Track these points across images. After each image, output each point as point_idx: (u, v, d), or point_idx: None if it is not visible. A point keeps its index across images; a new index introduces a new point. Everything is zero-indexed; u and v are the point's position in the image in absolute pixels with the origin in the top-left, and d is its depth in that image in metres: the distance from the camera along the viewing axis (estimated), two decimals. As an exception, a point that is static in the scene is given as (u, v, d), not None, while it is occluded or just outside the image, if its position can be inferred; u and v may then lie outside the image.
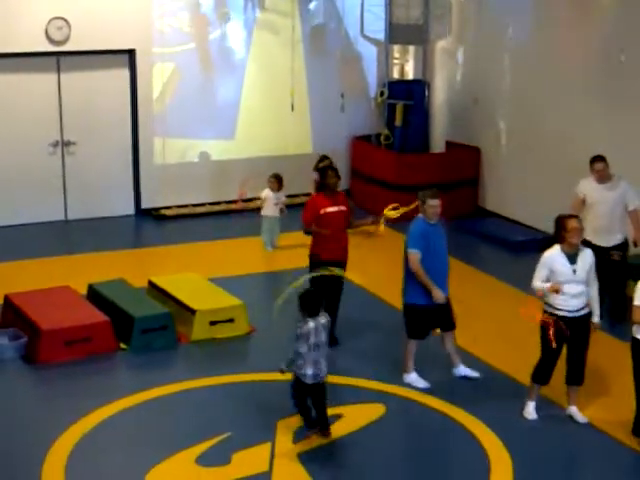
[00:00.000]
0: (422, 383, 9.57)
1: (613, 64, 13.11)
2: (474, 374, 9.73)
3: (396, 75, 16.85)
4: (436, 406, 9.19)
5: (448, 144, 16.37)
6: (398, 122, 15.96)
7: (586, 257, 8.73)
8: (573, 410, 9.00)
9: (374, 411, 9.07)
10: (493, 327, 10.92)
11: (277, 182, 13.83)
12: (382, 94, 16.31)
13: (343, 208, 10.27)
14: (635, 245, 11.07)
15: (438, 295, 9.26)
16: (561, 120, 14.04)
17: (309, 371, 8.37)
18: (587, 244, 9.72)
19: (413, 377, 9.62)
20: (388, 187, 15.54)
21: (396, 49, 16.84)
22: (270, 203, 13.78)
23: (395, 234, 12.84)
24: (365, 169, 16.33)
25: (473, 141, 16.06)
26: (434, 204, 9.22)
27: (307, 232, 10.40)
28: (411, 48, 16.74)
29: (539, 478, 8.12)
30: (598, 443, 8.63)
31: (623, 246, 11.03)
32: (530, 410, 9.00)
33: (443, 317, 9.54)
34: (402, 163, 15.69)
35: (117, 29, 14.85)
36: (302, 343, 8.31)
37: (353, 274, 12.55)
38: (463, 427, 8.79)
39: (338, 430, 8.68)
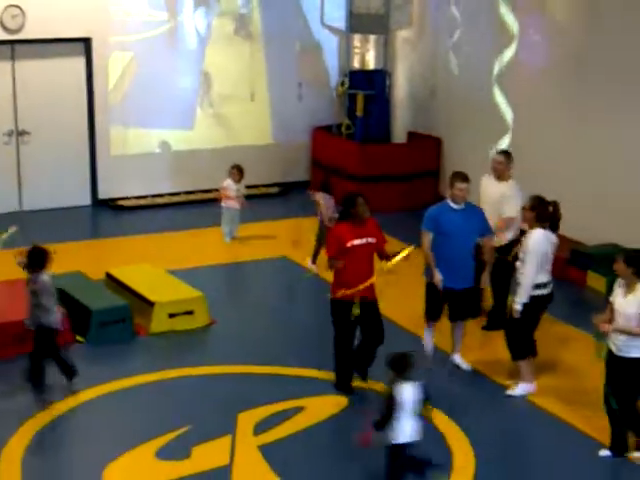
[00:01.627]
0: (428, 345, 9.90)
1: (576, 57, 13.13)
2: (465, 366, 9.83)
3: (357, 65, 16.76)
4: (399, 398, 9.11)
5: (410, 134, 16.31)
6: (359, 112, 15.88)
7: (526, 239, 9.02)
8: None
9: (336, 403, 9.00)
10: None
11: (239, 173, 13.68)
12: (343, 84, 16.22)
13: (371, 240, 9.04)
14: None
15: (436, 278, 9.44)
16: (521, 111, 14.04)
17: (58, 317, 9.01)
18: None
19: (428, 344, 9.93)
20: (349, 177, 15.45)
21: (357, 38, 16.73)
22: (231, 194, 13.63)
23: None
24: (326, 159, 16.22)
25: (434, 131, 16.03)
26: (461, 187, 9.48)
27: (332, 266, 9.09)
28: (372, 37, 16.64)
29: (500, 471, 8.06)
30: (559, 433, 8.61)
31: (509, 247, 10.27)
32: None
33: (460, 304, 9.64)
34: (364, 153, 15.60)
35: (73, 17, 14.62)
36: (49, 296, 8.95)
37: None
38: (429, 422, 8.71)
39: (301, 422, 8.61)
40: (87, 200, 15.42)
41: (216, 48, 15.98)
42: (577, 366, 9.78)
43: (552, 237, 9.07)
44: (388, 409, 7.18)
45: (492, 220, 10.11)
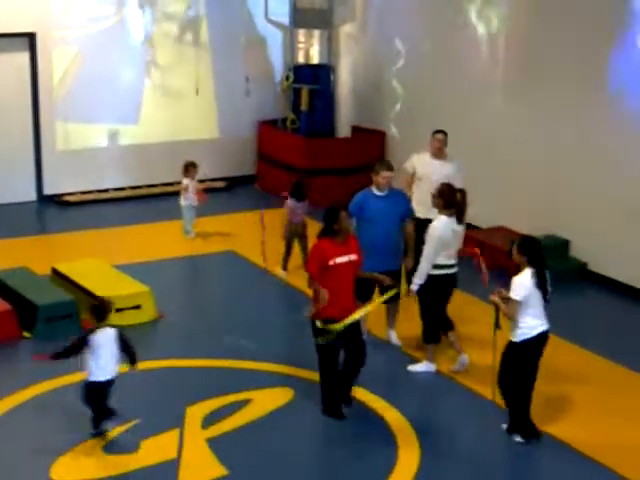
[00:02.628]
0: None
1: (517, 54, 13.33)
2: (395, 342, 10.24)
3: (301, 59, 16.81)
4: (345, 389, 9.22)
5: (354, 128, 16.42)
6: (304, 106, 15.96)
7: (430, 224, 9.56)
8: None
9: (283, 395, 9.08)
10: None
11: (194, 169, 13.64)
12: (288, 78, 16.28)
13: (354, 257, 8.62)
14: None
15: None
16: (463, 105, 14.20)
17: None
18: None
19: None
20: (295, 171, 15.54)
21: (301, 33, 16.79)
22: (191, 191, 13.57)
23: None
24: (272, 153, 16.30)
25: (378, 125, 16.16)
26: (386, 175, 9.85)
27: (312, 286, 8.69)
28: (316, 32, 16.70)
29: (445, 466, 8.16)
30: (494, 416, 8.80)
31: None
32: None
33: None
34: (308, 147, 15.69)
35: (17, 12, 14.52)
36: None
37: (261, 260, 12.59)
38: (372, 411, 8.83)
39: (248, 415, 8.69)
40: (32, 196, 15.34)
41: (161, 42, 15.97)
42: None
43: (455, 225, 9.50)
44: (72, 346, 8.18)
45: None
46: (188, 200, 13.61)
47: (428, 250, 9.36)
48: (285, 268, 12.31)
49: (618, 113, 11.98)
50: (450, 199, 9.40)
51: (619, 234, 12.02)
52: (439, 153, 11.38)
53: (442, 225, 9.39)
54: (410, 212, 10.17)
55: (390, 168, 9.95)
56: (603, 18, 12.03)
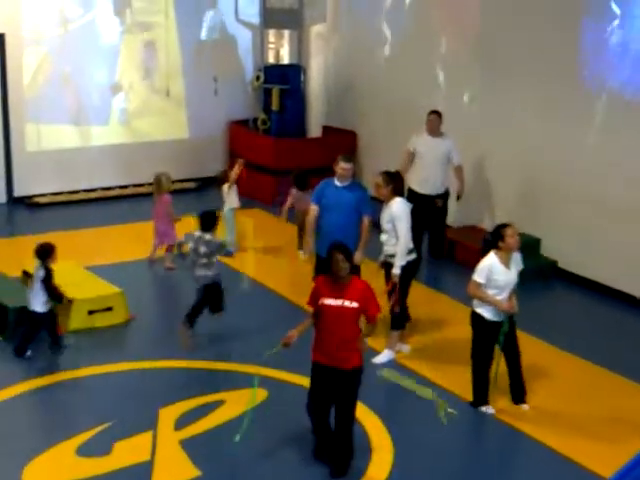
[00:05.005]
0: None
1: (486, 50, 13.40)
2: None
3: (272, 60, 16.82)
4: (318, 389, 9.23)
5: (325, 128, 16.45)
6: (275, 106, 15.97)
7: (387, 209, 9.73)
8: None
9: (257, 396, 9.06)
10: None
11: (227, 175, 13.34)
12: (258, 78, 16.29)
13: (350, 305, 7.61)
14: (458, 197, 12.57)
15: (306, 247, 10.74)
16: (434, 104, 14.24)
17: None
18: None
19: None
20: (266, 171, 15.56)
21: (271, 33, 16.80)
22: (234, 194, 13.15)
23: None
24: (243, 153, 16.26)
25: (349, 125, 16.20)
26: (343, 166, 10.22)
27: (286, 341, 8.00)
28: (286, 33, 16.73)
29: (418, 463, 8.19)
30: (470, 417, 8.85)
31: (445, 195, 12.71)
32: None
33: None
34: (279, 147, 15.71)
35: (-16, 13, 14.48)
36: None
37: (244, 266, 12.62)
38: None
39: (221, 416, 8.69)
40: (2, 198, 15.25)
41: (132, 43, 15.92)
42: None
43: (409, 204, 9.89)
44: None
45: (437, 172, 12.31)
46: (230, 203, 13.14)
47: (405, 230, 9.58)
48: (301, 247, 12.35)
49: (589, 113, 12.07)
50: (397, 185, 9.76)
51: (588, 233, 12.13)
52: (435, 131, 12.43)
53: (404, 203, 9.71)
54: (366, 208, 10.26)
55: (348, 160, 10.28)
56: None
